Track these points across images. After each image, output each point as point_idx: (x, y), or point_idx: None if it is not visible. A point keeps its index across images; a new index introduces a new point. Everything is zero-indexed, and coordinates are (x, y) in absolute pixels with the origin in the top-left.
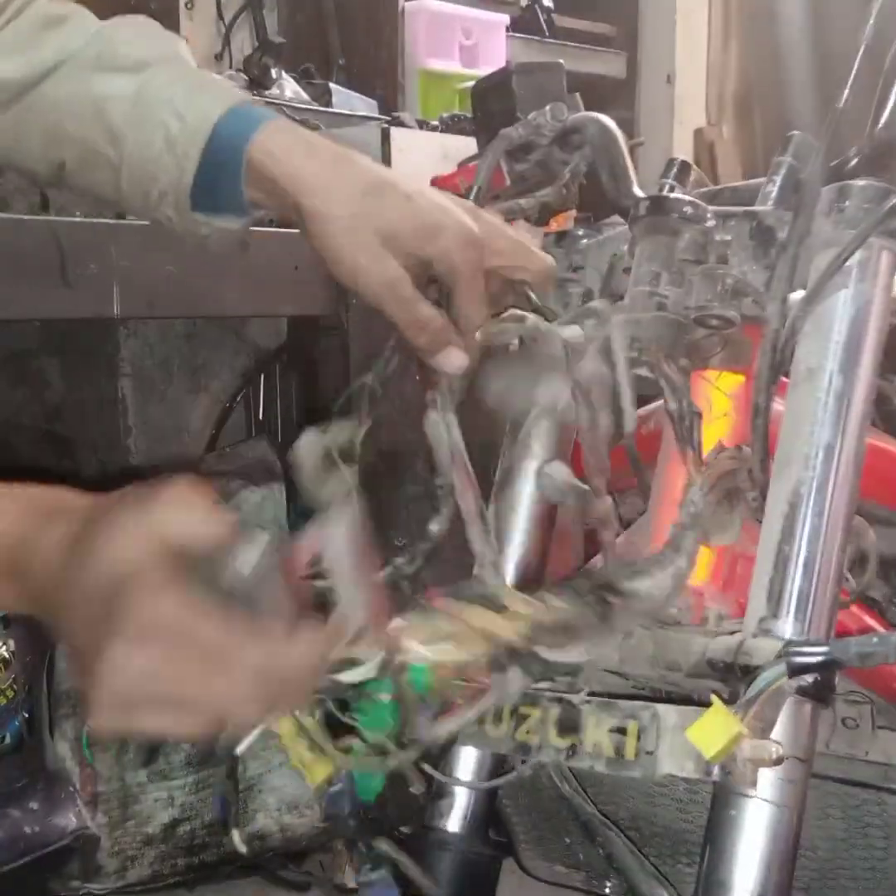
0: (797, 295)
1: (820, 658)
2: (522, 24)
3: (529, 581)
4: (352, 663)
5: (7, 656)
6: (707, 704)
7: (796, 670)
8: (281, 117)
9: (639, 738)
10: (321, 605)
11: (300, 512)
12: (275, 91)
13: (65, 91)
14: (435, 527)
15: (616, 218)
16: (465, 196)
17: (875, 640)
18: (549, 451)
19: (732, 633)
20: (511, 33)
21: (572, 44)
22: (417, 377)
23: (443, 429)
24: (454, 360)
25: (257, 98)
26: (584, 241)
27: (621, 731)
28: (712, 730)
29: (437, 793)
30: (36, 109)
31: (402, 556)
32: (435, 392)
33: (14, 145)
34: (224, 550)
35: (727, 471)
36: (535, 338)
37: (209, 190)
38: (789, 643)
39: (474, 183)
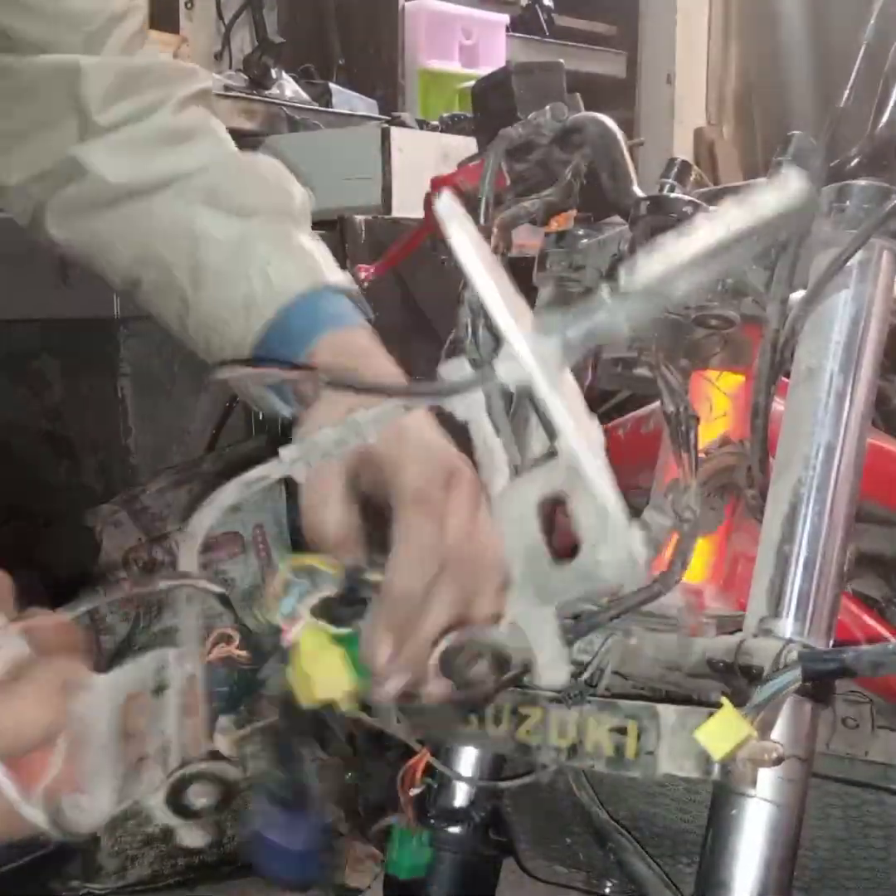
0: (797, 295)
1: (835, 665)
2: (522, 24)
3: None
4: None
5: None
6: (707, 704)
7: (810, 677)
8: (346, 318)
9: (639, 738)
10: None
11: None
12: (275, 91)
13: (167, 213)
14: None
15: (616, 218)
16: (468, 199)
17: (890, 648)
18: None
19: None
20: (511, 33)
21: (572, 43)
22: None
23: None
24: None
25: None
26: (585, 240)
27: (621, 731)
28: (723, 731)
29: (438, 792)
30: (131, 222)
31: None
32: None
33: (97, 251)
34: None
35: (726, 466)
36: None
37: (264, 354)
38: (790, 642)
39: (480, 192)
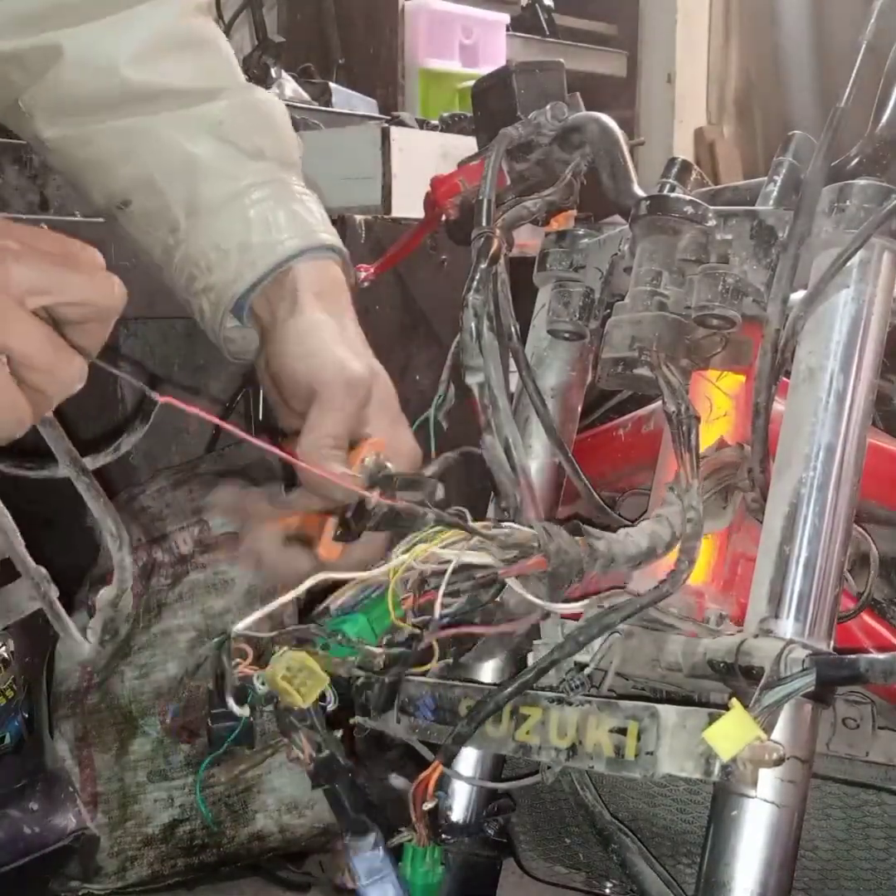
0: (798, 295)
1: (849, 672)
2: (523, 24)
3: None
4: None
5: (7, 656)
6: (707, 705)
7: (824, 682)
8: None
9: (639, 738)
10: None
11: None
12: (275, 90)
13: (170, 137)
14: None
15: (616, 218)
16: (467, 198)
17: None
18: (547, 449)
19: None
20: (511, 32)
21: (573, 43)
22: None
23: (501, 451)
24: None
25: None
26: (585, 240)
27: (621, 731)
28: (731, 733)
29: (444, 804)
30: (133, 138)
31: None
32: (487, 414)
33: (89, 164)
34: None
35: (726, 462)
36: None
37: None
38: (791, 642)
39: (480, 192)
